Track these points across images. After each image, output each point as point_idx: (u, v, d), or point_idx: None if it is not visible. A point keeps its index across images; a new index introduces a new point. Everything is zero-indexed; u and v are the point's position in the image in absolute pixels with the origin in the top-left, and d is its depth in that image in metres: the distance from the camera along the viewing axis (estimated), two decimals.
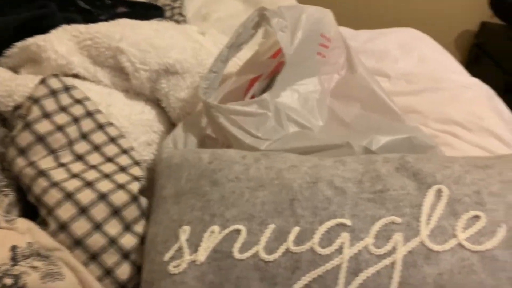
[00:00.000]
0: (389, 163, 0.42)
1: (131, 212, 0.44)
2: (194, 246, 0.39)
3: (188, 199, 0.42)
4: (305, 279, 0.36)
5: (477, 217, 0.37)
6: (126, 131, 0.56)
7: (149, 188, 0.52)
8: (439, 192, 0.39)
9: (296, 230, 0.38)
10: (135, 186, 0.45)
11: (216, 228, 0.39)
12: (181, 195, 0.43)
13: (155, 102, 0.63)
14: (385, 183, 0.40)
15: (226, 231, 0.39)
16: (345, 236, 0.37)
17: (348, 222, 0.38)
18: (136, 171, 0.47)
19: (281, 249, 0.37)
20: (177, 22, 0.97)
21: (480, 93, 0.82)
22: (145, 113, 0.60)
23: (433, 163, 0.41)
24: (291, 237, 0.37)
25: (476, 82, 0.88)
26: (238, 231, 0.39)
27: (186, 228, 0.40)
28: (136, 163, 0.49)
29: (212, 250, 0.38)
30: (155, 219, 0.44)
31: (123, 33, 0.59)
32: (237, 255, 0.38)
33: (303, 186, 0.40)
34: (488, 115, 0.76)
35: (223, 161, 0.44)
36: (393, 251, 0.36)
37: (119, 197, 0.43)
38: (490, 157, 0.43)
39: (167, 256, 0.40)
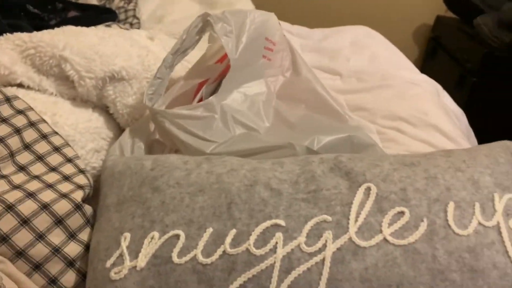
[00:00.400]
0: (324, 163, 0.44)
1: (75, 221, 0.45)
2: (135, 252, 0.40)
3: (130, 206, 0.43)
4: (241, 280, 0.38)
5: (402, 213, 0.40)
6: (73, 140, 0.56)
7: (98, 195, 0.52)
8: (368, 190, 0.41)
9: (233, 232, 0.39)
10: (78, 195, 0.46)
11: (156, 234, 0.41)
12: (123, 203, 0.44)
13: (103, 108, 0.64)
14: (319, 183, 0.42)
15: (166, 236, 0.40)
16: (279, 236, 0.39)
17: (282, 222, 0.40)
18: (81, 179, 0.48)
19: (218, 252, 0.39)
20: (131, 25, 0.97)
21: (426, 89, 0.85)
22: (93, 121, 0.61)
23: (364, 163, 0.44)
24: (228, 239, 0.39)
25: (423, 78, 0.92)
26: (177, 236, 0.40)
27: (127, 235, 0.41)
28: (81, 171, 0.49)
29: (152, 256, 0.40)
30: (98, 228, 0.45)
31: (66, 41, 0.59)
32: (176, 259, 0.39)
33: (241, 189, 0.42)
34: (433, 110, 0.80)
35: (165, 167, 0.45)
36: (323, 248, 0.38)
37: (62, 207, 0.44)
38: (418, 155, 0.46)
39: (108, 263, 0.41)
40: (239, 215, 0.40)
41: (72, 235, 0.45)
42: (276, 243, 0.39)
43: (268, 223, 0.40)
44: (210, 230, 0.40)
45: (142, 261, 0.40)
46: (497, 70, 1.51)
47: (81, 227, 0.46)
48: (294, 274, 0.38)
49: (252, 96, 0.61)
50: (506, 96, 1.52)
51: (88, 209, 0.47)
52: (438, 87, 0.94)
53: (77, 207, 0.45)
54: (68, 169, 0.48)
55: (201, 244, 0.39)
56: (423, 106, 0.79)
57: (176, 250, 0.39)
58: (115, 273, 0.40)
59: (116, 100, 0.62)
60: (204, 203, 0.42)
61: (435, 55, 1.85)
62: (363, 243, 0.38)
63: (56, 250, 0.43)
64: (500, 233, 0.38)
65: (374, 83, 0.89)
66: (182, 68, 0.68)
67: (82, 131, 0.58)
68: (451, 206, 0.40)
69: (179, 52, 0.59)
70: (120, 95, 0.62)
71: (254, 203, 0.41)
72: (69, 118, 0.58)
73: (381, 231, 0.39)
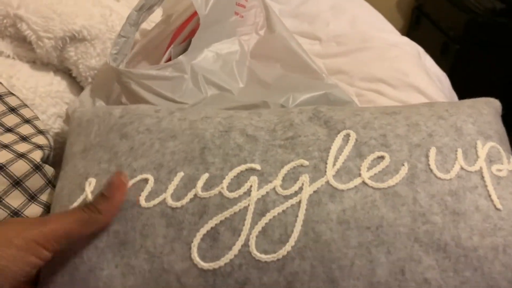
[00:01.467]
0: (303, 113, 0.43)
1: (35, 182, 0.42)
2: None
3: (96, 152, 0.42)
4: (212, 223, 0.37)
5: (381, 157, 0.39)
6: (32, 104, 0.53)
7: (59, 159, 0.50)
8: (347, 136, 0.41)
9: (205, 176, 0.38)
10: (37, 155, 0.43)
11: None
12: (89, 150, 0.42)
13: (66, 72, 0.61)
14: (297, 131, 0.41)
15: (133, 181, 0.39)
16: (253, 180, 0.38)
17: (257, 166, 0.39)
18: (40, 139, 0.45)
19: (189, 196, 0.38)
20: None
21: (407, 51, 0.84)
22: (54, 84, 0.58)
23: (344, 112, 0.43)
24: (200, 183, 0.38)
25: (405, 40, 0.90)
26: (145, 180, 0.39)
27: (92, 180, 0.40)
28: (40, 132, 0.46)
29: None
30: (63, 175, 0.42)
31: None
32: (143, 203, 0.38)
33: (215, 135, 0.41)
34: (413, 71, 0.78)
35: (135, 115, 0.43)
36: (299, 191, 0.38)
37: (20, 167, 0.41)
38: (400, 106, 0.45)
39: (71, 208, 0.39)
40: (213, 160, 0.39)
41: (32, 197, 0.42)
42: (251, 186, 0.38)
43: (242, 167, 0.39)
44: (181, 174, 0.39)
45: None
46: (480, 36, 1.51)
47: (42, 189, 0.43)
48: (268, 216, 0.37)
49: (224, 55, 0.59)
50: (489, 63, 1.51)
51: (49, 169, 0.44)
52: (420, 49, 0.93)
53: (36, 167, 0.43)
54: (25, 129, 0.46)
55: (171, 188, 0.38)
56: (403, 67, 0.78)
57: (144, 194, 0.38)
58: None
59: (78, 62, 0.59)
60: (175, 148, 0.40)
61: (419, 24, 1.83)
62: (340, 186, 0.38)
63: (15, 213, 0.41)
64: (482, 177, 0.38)
65: (354, 46, 0.86)
66: (147, 27, 0.64)
67: (42, 95, 0.55)
68: (432, 151, 0.39)
69: (144, 8, 0.56)
70: (82, 57, 0.58)
71: (229, 148, 0.40)
72: (28, 81, 0.55)
73: (359, 175, 0.38)
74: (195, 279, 0.36)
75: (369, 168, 0.39)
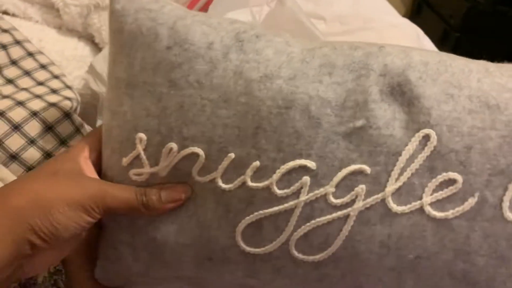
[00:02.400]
0: (386, 77, 0.36)
1: (65, 128, 0.47)
2: (154, 159, 0.38)
3: (142, 96, 0.38)
4: (257, 215, 0.36)
5: (453, 181, 0.35)
6: (60, 65, 0.58)
7: (86, 120, 0.54)
8: (425, 139, 0.35)
9: (255, 165, 0.36)
10: (67, 104, 0.48)
11: (174, 146, 0.37)
12: (135, 87, 0.38)
13: (89, 38, 0.65)
14: (369, 116, 0.35)
15: (184, 152, 0.37)
16: (305, 181, 0.36)
17: (312, 165, 0.35)
18: (68, 93, 0.50)
19: (238, 181, 0.36)
20: None
21: (406, 32, 0.88)
22: (79, 49, 0.63)
23: (437, 88, 0.36)
24: (249, 171, 0.36)
25: (405, 21, 0.95)
26: (197, 155, 0.37)
27: (142, 137, 0.38)
28: (68, 87, 0.51)
29: (173, 168, 0.38)
30: (110, 106, 0.40)
31: None
32: (196, 177, 0.37)
33: (272, 112, 0.36)
34: None
35: (184, 50, 0.38)
36: (350, 204, 0.35)
37: (52, 114, 0.46)
38: (505, 94, 0.36)
39: (125, 161, 0.38)
40: (266, 145, 0.36)
41: (63, 142, 0.47)
42: (301, 188, 0.36)
43: (296, 162, 0.35)
44: (231, 156, 0.36)
45: (164, 170, 0.38)
46: (480, 24, 1.55)
47: (71, 135, 0.48)
48: (313, 224, 0.36)
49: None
50: (488, 51, 1.55)
51: (76, 118, 0.49)
52: (419, 31, 0.97)
53: (66, 115, 0.47)
54: (55, 83, 0.51)
55: (221, 168, 0.37)
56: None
57: (196, 168, 0.37)
58: (135, 175, 0.38)
59: (101, 29, 0.63)
60: (228, 120, 0.36)
61: (420, 12, 1.87)
62: (395, 208, 0.35)
63: (48, 155, 0.45)
64: None
65: (356, 26, 0.91)
66: None
67: (69, 58, 0.60)
68: None
69: None
70: (105, 24, 0.63)
71: (285, 133, 0.36)
72: (56, 45, 0.60)
73: (421, 198, 0.35)
74: (237, 256, 0.38)
75: (434, 191, 0.35)
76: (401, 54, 0.37)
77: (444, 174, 0.34)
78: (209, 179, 0.37)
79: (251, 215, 0.36)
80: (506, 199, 0.34)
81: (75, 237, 0.37)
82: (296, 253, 0.37)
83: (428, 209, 0.35)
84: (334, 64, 0.37)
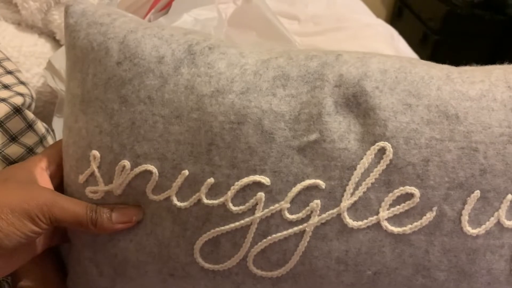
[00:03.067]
0: (341, 88, 0.35)
1: (16, 124, 0.45)
2: (108, 177, 0.38)
3: (95, 113, 0.38)
4: (214, 232, 0.36)
5: (410, 195, 0.34)
6: (17, 62, 0.56)
7: (45, 120, 0.53)
8: (381, 152, 0.34)
9: (210, 182, 0.36)
10: (18, 100, 0.46)
11: (127, 163, 0.37)
12: (88, 103, 0.38)
13: (50, 35, 0.64)
14: (323, 130, 0.35)
15: (137, 170, 0.37)
16: (260, 197, 0.35)
17: (267, 181, 0.35)
18: (21, 88, 0.48)
19: (194, 199, 0.36)
20: None
21: (379, 31, 0.88)
22: (39, 46, 0.61)
23: (394, 97, 0.35)
24: (204, 189, 0.36)
25: (379, 22, 0.95)
26: (150, 172, 0.36)
27: (96, 154, 0.37)
28: (22, 83, 0.49)
29: (127, 185, 0.37)
30: (66, 122, 0.40)
31: None
32: (150, 195, 0.37)
33: (225, 127, 0.35)
34: (385, 51, 0.83)
35: (134, 66, 0.37)
36: (306, 219, 0.35)
37: (1, 110, 0.44)
38: (470, 98, 0.35)
39: (81, 179, 0.38)
40: (220, 162, 0.35)
41: (13, 138, 0.45)
42: (256, 204, 0.35)
43: (250, 178, 0.35)
44: (185, 173, 0.36)
45: (118, 189, 0.37)
46: (458, 27, 1.56)
47: (23, 131, 0.46)
48: (269, 240, 0.36)
49: (203, 21, 0.62)
50: (466, 53, 1.57)
51: (29, 114, 0.47)
52: (394, 32, 0.97)
53: (17, 110, 0.46)
54: (8, 79, 0.49)
55: (175, 186, 0.36)
56: (375, 46, 0.82)
57: (150, 186, 0.37)
58: (91, 193, 0.38)
59: (62, 26, 0.61)
60: (180, 136, 0.36)
61: (401, 15, 1.89)
62: (351, 223, 0.35)
63: None
64: None
65: (330, 26, 0.91)
66: None
67: (27, 54, 0.58)
68: (474, 197, 0.34)
69: None
70: None
71: (239, 149, 0.35)
72: (13, 41, 0.58)
73: (377, 213, 0.34)
74: (198, 272, 0.38)
75: (391, 206, 0.34)
76: (358, 62, 0.36)
77: (401, 188, 0.34)
78: (164, 197, 0.37)
79: (208, 232, 0.36)
80: (465, 213, 0.34)
81: (23, 248, 0.36)
82: (254, 269, 0.37)
83: (385, 224, 0.34)
84: (288, 76, 0.36)
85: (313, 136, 0.35)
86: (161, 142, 0.36)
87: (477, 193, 0.34)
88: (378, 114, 0.34)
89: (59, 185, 0.40)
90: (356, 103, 0.35)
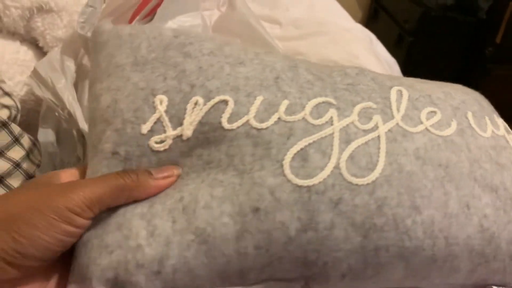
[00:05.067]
0: (349, 68, 0.44)
1: (1, 138, 0.45)
2: (177, 118, 0.36)
3: (156, 68, 0.38)
4: (301, 144, 0.37)
5: (434, 112, 0.42)
6: None
7: (28, 128, 0.53)
8: (400, 92, 0.43)
9: (285, 103, 0.38)
10: (4, 113, 0.46)
11: (199, 99, 0.37)
12: (144, 64, 0.38)
13: (32, 43, 0.63)
14: (354, 80, 0.42)
15: (212, 102, 0.37)
16: (333, 112, 0.39)
17: (333, 101, 0.40)
18: (6, 100, 0.48)
19: (273, 118, 0.37)
20: None
21: (358, 36, 0.91)
22: (21, 53, 0.61)
23: (384, 76, 0.45)
24: (282, 108, 0.38)
25: (357, 26, 0.98)
26: (225, 102, 0.37)
27: (163, 98, 0.37)
28: (7, 94, 0.49)
29: (198, 123, 0.37)
30: (108, 86, 0.38)
31: None
32: (226, 125, 0.37)
33: (285, 68, 0.41)
34: (363, 54, 0.85)
35: (191, 37, 0.41)
36: (375, 128, 0.39)
37: None
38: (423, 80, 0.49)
39: (144, 129, 0.36)
40: (289, 89, 0.39)
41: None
42: (331, 117, 0.39)
43: (319, 99, 0.39)
44: (260, 98, 0.38)
45: (188, 129, 0.36)
46: (432, 29, 1.61)
47: (9, 145, 0.46)
48: (354, 144, 0.38)
49: (187, 28, 0.63)
50: (440, 54, 1.62)
51: (15, 128, 0.47)
52: (372, 36, 1.00)
53: (3, 124, 0.45)
54: None
55: (253, 110, 0.37)
56: (354, 50, 0.85)
57: (225, 116, 0.37)
58: (157, 143, 0.36)
59: (45, 33, 0.61)
60: (248, 74, 0.39)
61: (377, 17, 1.93)
62: (410, 129, 0.40)
63: None
64: (507, 141, 0.44)
65: (311, 30, 0.93)
66: None
67: (9, 62, 0.58)
68: (470, 115, 0.44)
69: None
70: (49, 27, 0.61)
71: (301, 81, 0.40)
72: None
73: (422, 122, 0.41)
74: (290, 194, 0.35)
75: (427, 119, 0.41)
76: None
77: (425, 109, 0.42)
78: (242, 123, 0.37)
79: (295, 145, 0.36)
80: (472, 123, 0.43)
81: (51, 258, 0.30)
82: (349, 177, 0.36)
83: (431, 129, 0.41)
84: (309, 61, 0.44)
85: (349, 80, 0.42)
86: (230, 78, 0.38)
87: (470, 113, 0.44)
88: (380, 79, 0.44)
89: None
90: (363, 74, 0.44)
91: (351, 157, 0.37)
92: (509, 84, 1.63)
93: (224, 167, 0.36)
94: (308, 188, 0.35)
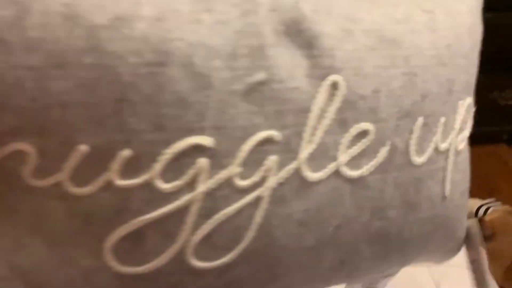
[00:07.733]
0: (277, 13, 0.28)
1: None
2: None
3: None
4: (135, 224, 0.26)
5: (365, 132, 0.31)
6: None
7: None
8: (334, 88, 0.30)
9: (125, 154, 0.24)
10: None
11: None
12: None
13: None
14: (269, 66, 0.28)
15: (6, 150, 0.25)
16: (202, 164, 0.26)
17: (208, 142, 0.26)
18: None
19: (100, 181, 0.25)
20: None
21: None
22: None
23: (334, 21, 0.30)
24: (116, 166, 0.24)
25: None
26: (21, 153, 0.25)
27: None
28: None
29: None
30: None
31: None
32: (31, 181, 0.25)
33: (140, 72, 0.24)
34: None
35: None
36: (261, 183, 0.28)
37: None
38: (396, 26, 0.33)
39: None
40: (137, 125, 0.24)
41: None
42: (197, 174, 0.26)
43: (186, 142, 0.25)
44: (82, 148, 0.24)
45: None
46: None
47: None
48: (217, 218, 0.27)
49: None
50: None
51: None
52: None
53: None
54: None
55: (68, 167, 0.24)
56: None
57: (28, 168, 0.25)
58: None
59: None
60: (67, 96, 0.24)
61: None
62: (311, 176, 0.30)
63: None
64: (447, 157, 0.35)
65: None
66: None
67: None
68: (418, 124, 0.33)
69: None
70: None
71: (164, 103, 0.25)
72: None
73: (336, 158, 0.30)
74: (109, 281, 0.27)
75: (348, 148, 0.31)
76: None
77: (356, 126, 0.31)
78: (53, 182, 0.25)
79: (125, 225, 0.25)
80: (412, 143, 0.33)
81: None
82: (196, 263, 0.28)
83: (344, 170, 0.31)
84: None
85: (259, 76, 0.27)
86: (36, 108, 0.24)
87: (420, 119, 0.33)
88: (323, 43, 0.29)
89: None
90: (297, 30, 0.29)
91: (208, 236, 0.27)
92: None
93: (31, 231, 0.26)
94: (135, 277, 0.27)
